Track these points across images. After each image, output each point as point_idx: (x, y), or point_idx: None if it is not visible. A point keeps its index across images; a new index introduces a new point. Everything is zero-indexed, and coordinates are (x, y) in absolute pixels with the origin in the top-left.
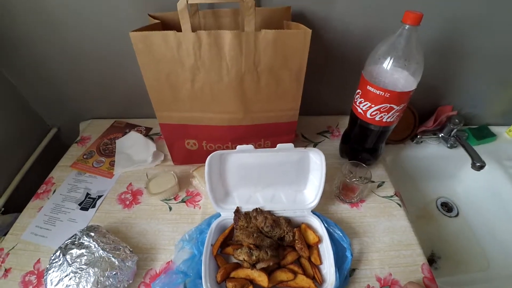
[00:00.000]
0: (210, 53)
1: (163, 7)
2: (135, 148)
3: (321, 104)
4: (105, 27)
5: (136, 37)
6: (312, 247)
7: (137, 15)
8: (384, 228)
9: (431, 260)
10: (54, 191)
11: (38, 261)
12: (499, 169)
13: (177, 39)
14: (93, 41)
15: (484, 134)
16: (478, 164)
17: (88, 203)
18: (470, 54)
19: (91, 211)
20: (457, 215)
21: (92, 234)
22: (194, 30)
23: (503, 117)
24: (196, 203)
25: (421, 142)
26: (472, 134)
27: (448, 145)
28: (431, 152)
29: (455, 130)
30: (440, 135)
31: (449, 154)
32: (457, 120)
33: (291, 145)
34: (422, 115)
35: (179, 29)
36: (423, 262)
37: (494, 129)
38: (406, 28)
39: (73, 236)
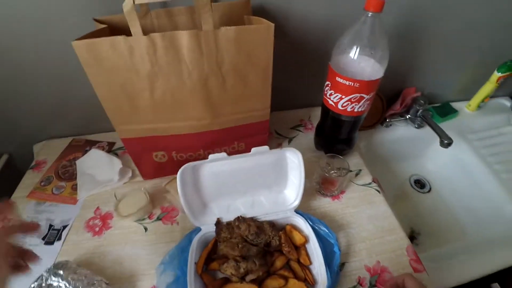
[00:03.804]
0: (167, 57)
1: (112, 10)
2: (98, 168)
3: (292, 98)
4: (50, 38)
5: (79, 46)
6: (299, 248)
7: (84, 22)
8: (367, 216)
9: (412, 237)
10: None
11: None
12: (464, 142)
13: (128, 45)
14: (38, 54)
15: (447, 111)
16: (446, 141)
17: (52, 235)
18: (429, 38)
19: (57, 244)
20: (429, 190)
21: (61, 272)
22: (146, 33)
23: (462, 93)
24: (173, 219)
25: (390, 125)
26: (436, 112)
27: (416, 125)
28: (401, 133)
29: (420, 110)
30: (407, 117)
31: (417, 134)
32: (422, 101)
33: (266, 147)
34: (388, 98)
35: (129, 33)
36: (408, 245)
37: (455, 105)
38: (369, 15)
39: (39, 277)
